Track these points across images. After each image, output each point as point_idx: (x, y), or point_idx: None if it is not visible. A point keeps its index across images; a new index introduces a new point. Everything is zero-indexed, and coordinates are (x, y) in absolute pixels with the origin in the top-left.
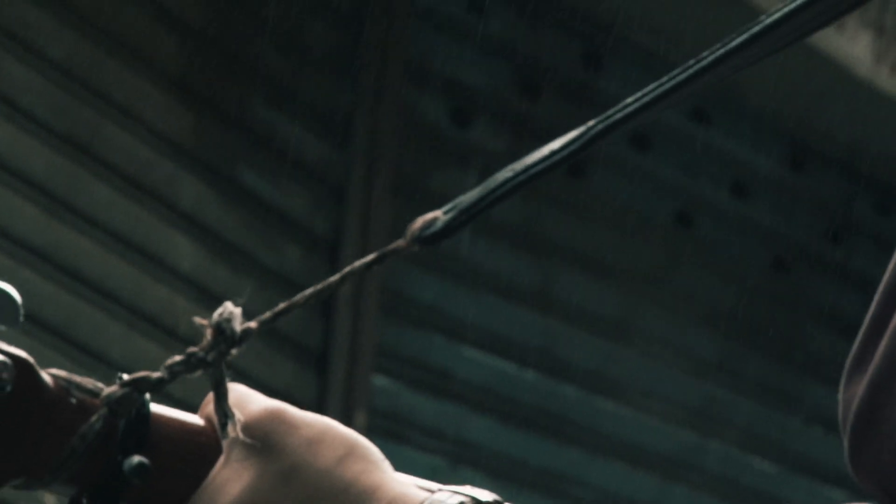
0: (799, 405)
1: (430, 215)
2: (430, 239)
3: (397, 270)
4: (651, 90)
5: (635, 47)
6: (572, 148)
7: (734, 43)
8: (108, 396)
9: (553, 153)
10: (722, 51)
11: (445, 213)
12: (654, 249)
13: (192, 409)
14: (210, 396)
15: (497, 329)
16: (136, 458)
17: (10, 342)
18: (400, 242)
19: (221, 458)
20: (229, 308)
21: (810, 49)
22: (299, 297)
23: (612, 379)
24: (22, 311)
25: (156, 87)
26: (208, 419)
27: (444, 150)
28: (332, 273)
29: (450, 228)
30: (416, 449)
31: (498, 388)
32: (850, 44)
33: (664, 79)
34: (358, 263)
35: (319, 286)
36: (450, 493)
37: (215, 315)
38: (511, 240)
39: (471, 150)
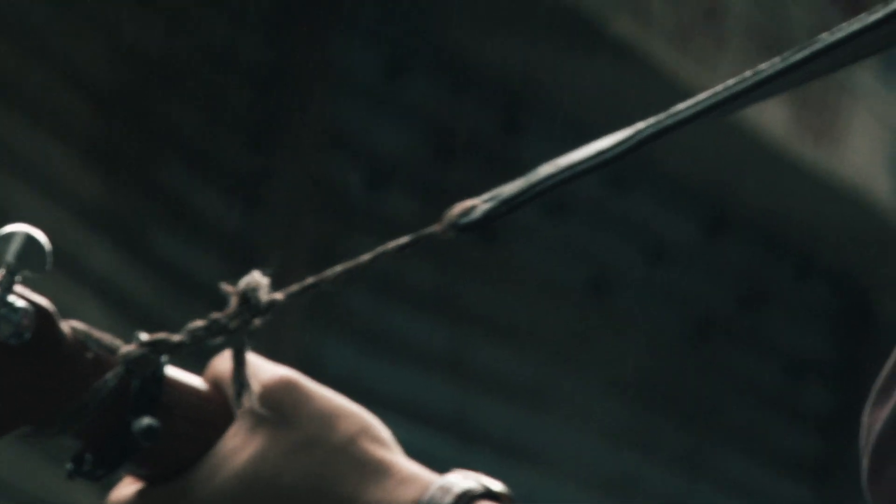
0: (715, 474)
1: (468, 202)
2: (467, 227)
3: (310, 337)
4: (704, 99)
5: (553, 112)
6: (619, 150)
7: (795, 58)
8: (126, 355)
9: (599, 153)
10: (781, 66)
11: (485, 202)
12: (570, 316)
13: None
14: (214, 361)
15: (410, 397)
16: (146, 420)
17: (34, 289)
18: (435, 227)
19: (233, 426)
20: (256, 277)
21: None
22: (329, 272)
23: (526, 447)
24: (50, 258)
25: (67, 151)
26: (214, 384)
27: (360, 216)
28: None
29: (488, 218)
30: None
31: (410, 456)
32: (766, 110)
33: (718, 87)
34: (391, 244)
35: (349, 263)
36: (461, 477)
37: (242, 283)
38: (424, 306)
39: (386, 216)
